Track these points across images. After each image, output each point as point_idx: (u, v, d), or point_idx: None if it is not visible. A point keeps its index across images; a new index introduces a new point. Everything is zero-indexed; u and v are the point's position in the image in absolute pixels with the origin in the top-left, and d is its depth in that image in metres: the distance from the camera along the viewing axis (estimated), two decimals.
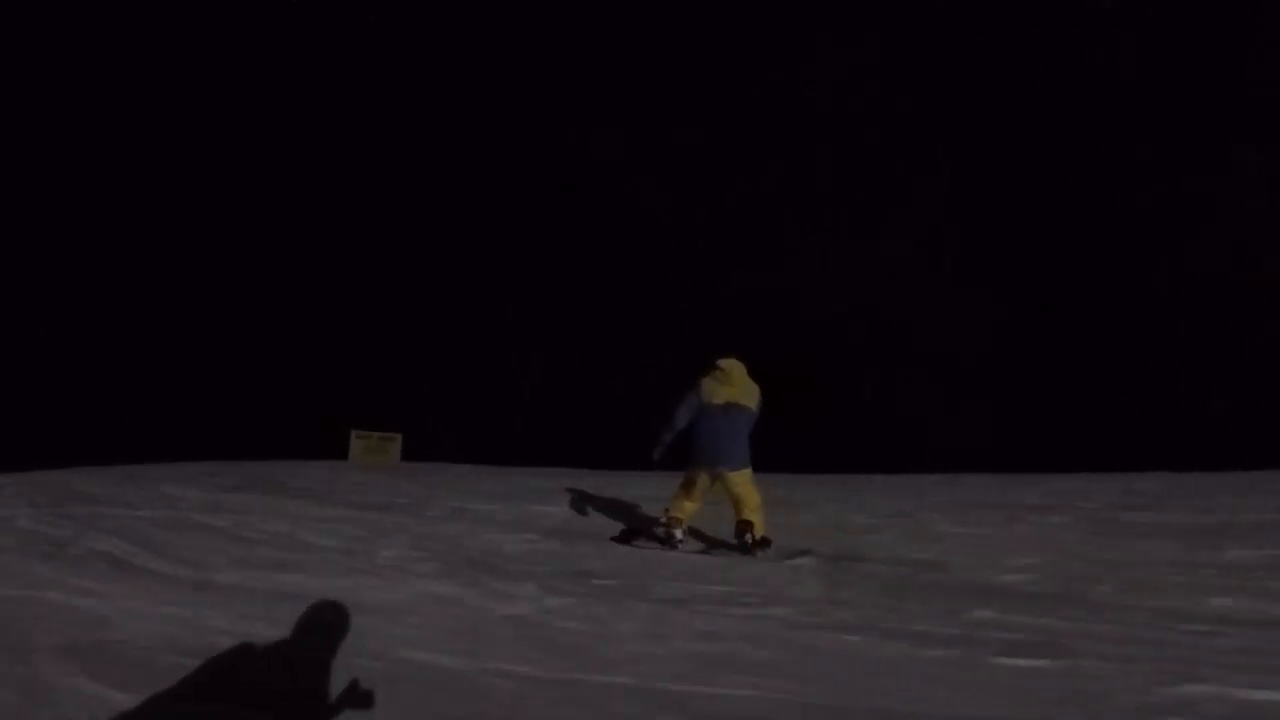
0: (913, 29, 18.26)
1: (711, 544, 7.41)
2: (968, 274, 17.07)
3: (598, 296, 21.12)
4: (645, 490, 9.67)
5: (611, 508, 9.18)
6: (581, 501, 9.57)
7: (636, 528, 7.69)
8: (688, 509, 7.12)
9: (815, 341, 17.81)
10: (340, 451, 16.51)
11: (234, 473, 12.63)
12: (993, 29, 17.15)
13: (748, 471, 6.99)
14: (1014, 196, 16.74)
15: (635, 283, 20.97)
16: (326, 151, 20.32)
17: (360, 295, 20.76)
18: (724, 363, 7.09)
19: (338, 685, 3.45)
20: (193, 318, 19.39)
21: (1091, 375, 15.68)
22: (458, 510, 9.21)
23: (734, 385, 7.00)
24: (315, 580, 5.94)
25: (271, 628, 4.31)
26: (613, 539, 7.49)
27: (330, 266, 20.53)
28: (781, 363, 16.91)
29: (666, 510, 7.20)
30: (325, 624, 4.42)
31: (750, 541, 6.86)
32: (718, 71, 21.01)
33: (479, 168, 20.72)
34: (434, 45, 20.92)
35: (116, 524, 7.79)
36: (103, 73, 18.67)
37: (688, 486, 7.10)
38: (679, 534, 7.09)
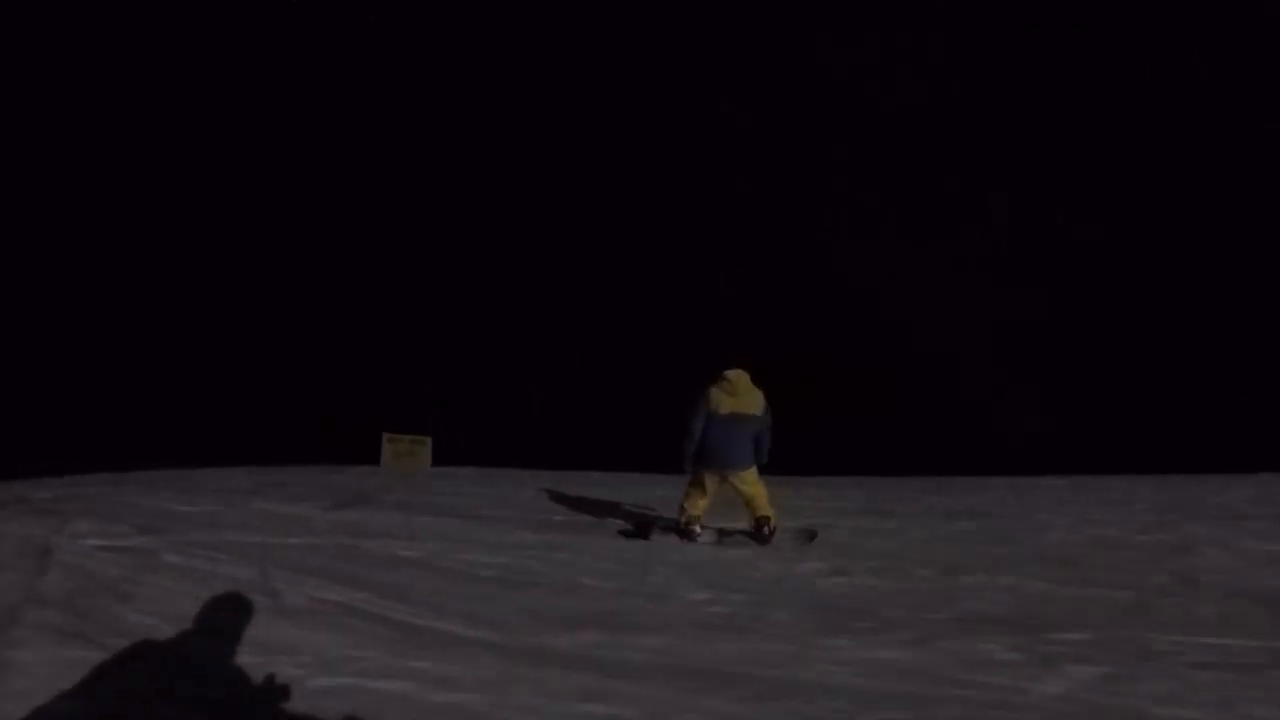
0: (970, 15, 17.23)
1: (720, 534, 7.69)
2: (1039, 268, 16.39)
3: (598, 296, 20.05)
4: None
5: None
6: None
7: (648, 522, 8.12)
8: (701, 505, 7.56)
9: (879, 340, 17.10)
10: (348, 454, 15.14)
11: (292, 480, 11.16)
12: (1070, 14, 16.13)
13: (753, 471, 7.41)
14: (1090, 191, 16.03)
15: (636, 281, 19.93)
16: (326, 151, 19.30)
17: (360, 295, 19.65)
18: (730, 374, 7.41)
19: None
20: (190, 318, 18.22)
21: (1181, 375, 15.10)
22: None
23: (739, 395, 7.33)
24: (685, 644, 4.44)
25: None
26: (623, 533, 7.81)
27: (329, 266, 19.41)
28: (797, 360, 16.40)
29: (683, 509, 7.60)
30: None
31: (768, 533, 7.36)
32: (725, 65, 19.97)
33: (479, 166, 19.86)
34: (432, 44, 20.05)
35: (286, 558, 6.09)
36: (99, 71, 17.74)
37: (698, 486, 7.50)
38: (698, 528, 7.56)
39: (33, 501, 8.29)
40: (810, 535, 7.58)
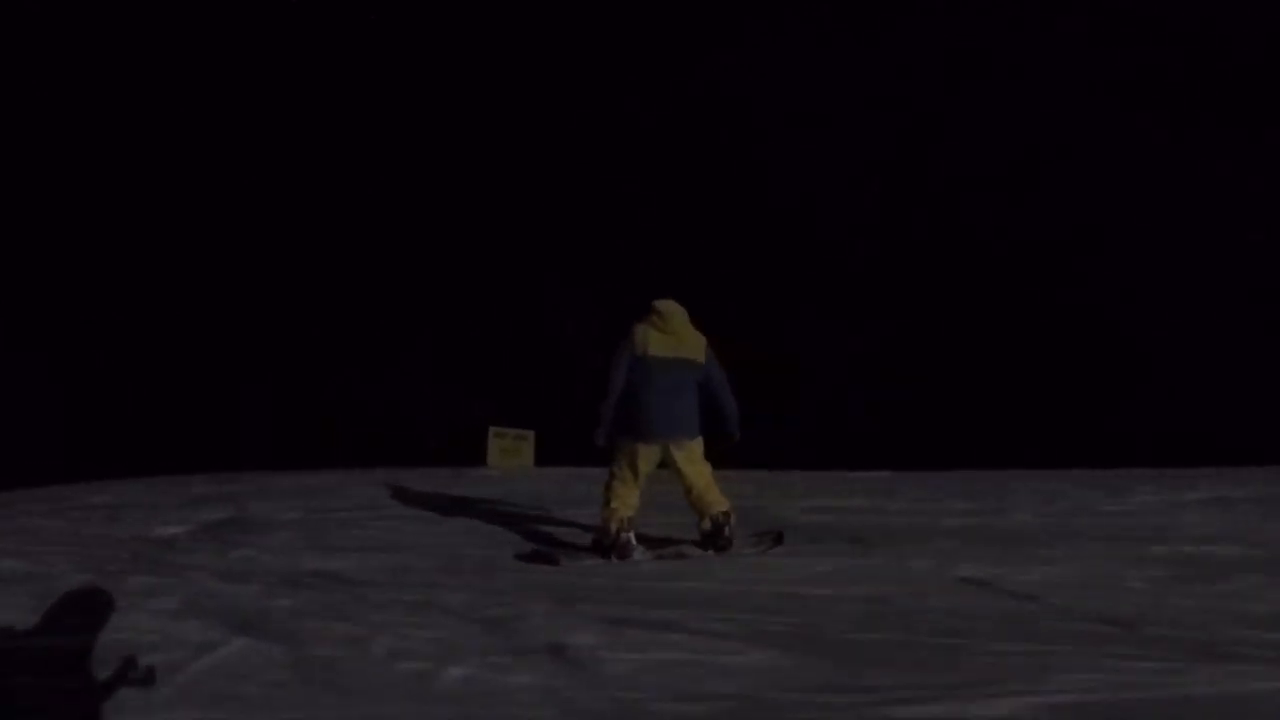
0: None
1: (654, 545, 5.36)
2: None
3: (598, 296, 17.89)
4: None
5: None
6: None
7: (544, 546, 5.64)
8: (633, 501, 5.27)
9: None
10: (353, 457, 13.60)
11: (464, 489, 8.64)
12: None
13: (699, 443, 5.33)
14: None
15: (632, 279, 17.60)
16: (326, 151, 17.51)
17: (360, 295, 17.87)
18: (662, 305, 5.34)
19: None
20: (188, 318, 16.55)
21: None
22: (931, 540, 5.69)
23: (676, 333, 5.28)
24: None
25: None
26: (523, 558, 5.34)
27: (329, 267, 17.63)
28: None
29: (610, 509, 5.22)
30: None
31: (729, 535, 5.22)
32: None
33: (480, 166, 17.96)
34: (426, 46, 18.21)
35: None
36: (97, 69, 16.29)
37: (627, 474, 5.24)
38: (633, 538, 5.22)
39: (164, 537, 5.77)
40: (775, 538, 5.41)
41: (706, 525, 5.19)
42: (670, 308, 5.29)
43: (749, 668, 3.03)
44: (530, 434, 12.20)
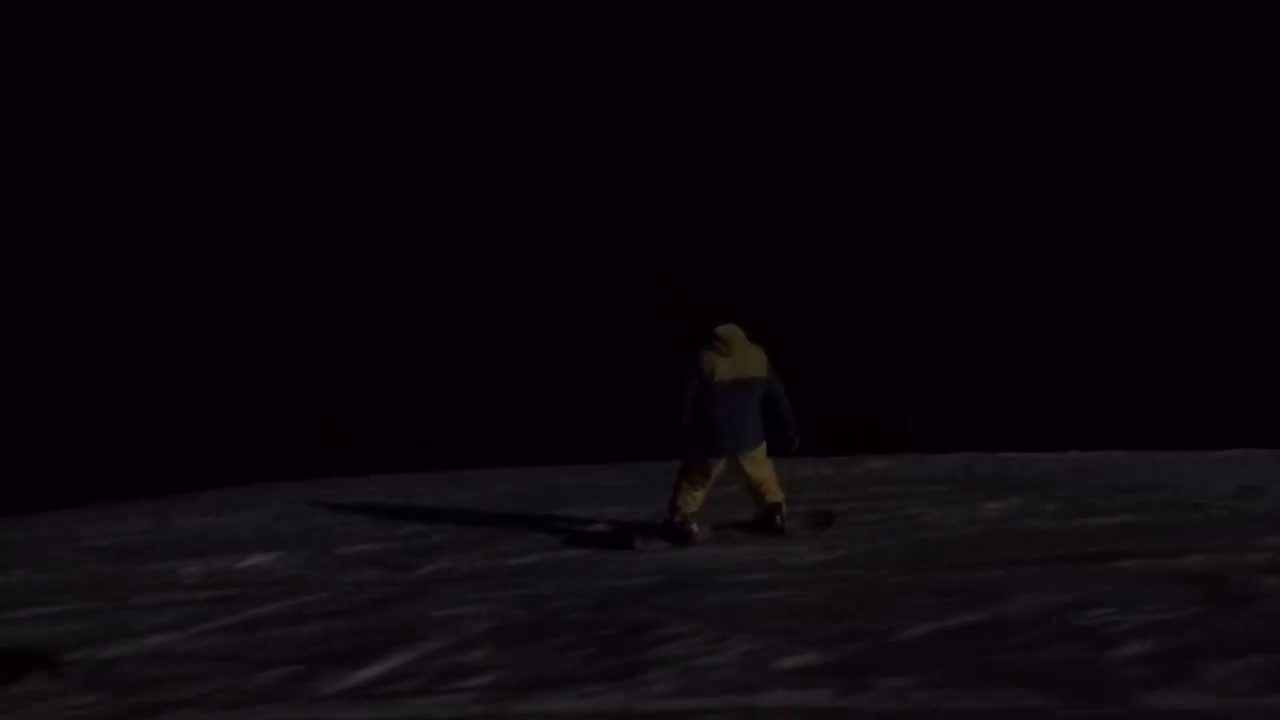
0: None
1: (716, 528, 6.18)
2: None
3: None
4: None
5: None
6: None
7: (624, 528, 6.46)
8: (699, 500, 6.10)
9: None
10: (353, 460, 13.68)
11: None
12: None
13: (763, 447, 6.08)
14: None
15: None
16: (326, 152, 18.11)
17: (360, 295, 18.57)
18: (723, 330, 5.95)
19: None
20: (189, 320, 17.30)
21: None
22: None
23: (737, 355, 5.92)
24: None
25: None
26: (605, 540, 6.22)
27: (329, 267, 18.29)
28: None
29: (676, 508, 6.05)
30: None
31: (780, 524, 6.01)
32: None
33: (477, 166, 18.58)
34: (420, 46, 18.78)
35: None
36: (96, 69, 16.91)
37: (697, 479, 6.03)
38: (696, 527, 6.06)
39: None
40: (825, 519, 6.15)
41: (760, 512, 6.01)
42: (730, 331, 5.90)
43: None
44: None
